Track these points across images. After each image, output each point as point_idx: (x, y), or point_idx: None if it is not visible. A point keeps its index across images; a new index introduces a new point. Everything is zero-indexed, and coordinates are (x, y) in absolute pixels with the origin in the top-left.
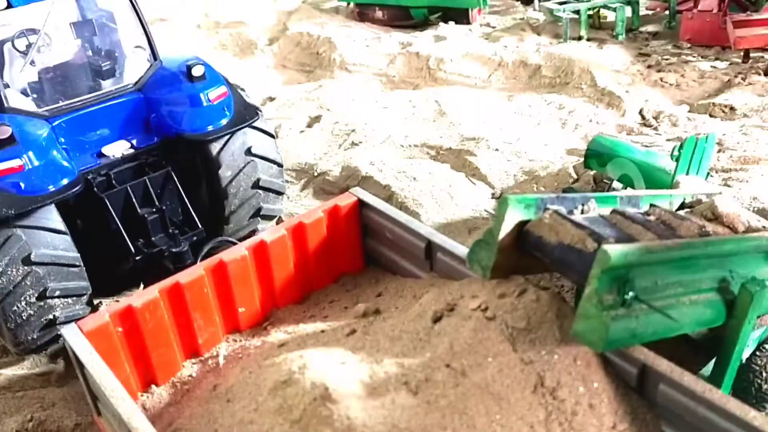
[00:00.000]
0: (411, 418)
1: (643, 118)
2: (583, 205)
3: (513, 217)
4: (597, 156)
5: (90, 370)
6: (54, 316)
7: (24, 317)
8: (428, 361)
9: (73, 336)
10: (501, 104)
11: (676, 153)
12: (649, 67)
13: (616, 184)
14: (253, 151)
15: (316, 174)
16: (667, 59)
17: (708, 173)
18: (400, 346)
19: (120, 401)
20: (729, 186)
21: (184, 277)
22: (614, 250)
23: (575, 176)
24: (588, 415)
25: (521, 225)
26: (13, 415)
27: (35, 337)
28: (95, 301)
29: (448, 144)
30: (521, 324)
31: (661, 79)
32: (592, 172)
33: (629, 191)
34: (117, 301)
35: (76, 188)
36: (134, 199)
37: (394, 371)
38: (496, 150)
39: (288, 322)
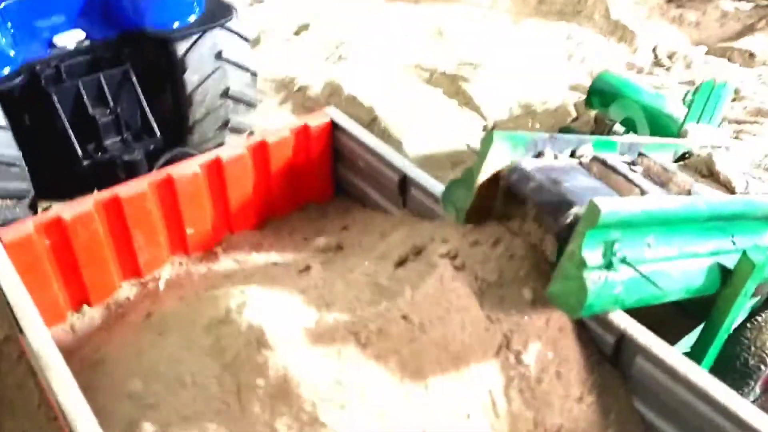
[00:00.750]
0: (357, 373)
1: (656, 56)
2: (576, 148)
3: (498, 155)
4: (600, 94)
5: (4, 288)
6: None
7: None
8: (384, 311)
9: None
10: (505, 29)
11: (689, 98)
12: (669, 1)
13: (618, 127)
14: (224, 55)
15: (296, 88)
16: None
17: (720, 124)
18: (356, 291)
19: (32, 330)
20: (740, 139)
21: (124, 190)
22: (606, 206)
23: (575, 114)
24: (554, 384)
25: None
26: None
27: None
28: (45, 206)
29: (444, 67)
30: (492, 277)
31: (681, 16)
32: (593, 112)
33: (631, 137)
34: None
35: (19, 78)
36: (85, 98)
37: (345, 319)
38: (494, 78)
39: (241, 250)
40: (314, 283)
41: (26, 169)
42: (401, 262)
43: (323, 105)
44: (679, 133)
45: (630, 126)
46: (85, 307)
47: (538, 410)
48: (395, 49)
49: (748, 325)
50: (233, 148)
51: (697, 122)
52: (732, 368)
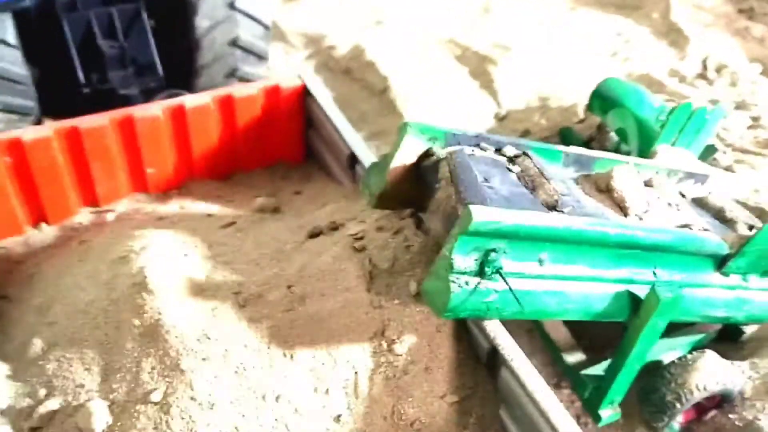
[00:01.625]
0: (226, 331)
1: (704, 67)
2: (497, 150)
3: (411, 146)
4: (601, 100)
5: None
6: None
7: None
8: (271, 277)
9: None
10: (558, 15)
11: (662, 118)
12: (740, 11)
13: (613, 136)
14: (237, 5)
15: (324, 46)
16: (765, 8)
17: (713, 148)
18: (258, 253)
19: None
20: (731, 171)
21: (84, 122)
22: (480, 213)
23: (582, 117)
24: (419, 378)
25: (423, 156)
26: None
27: None
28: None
29: (477, 47)
30: (385, 265)
31: (746, 29)
32: (599, 117)
33: (577, 149)
34: None
35: (34, 1)
36: (96, 28)
37: (233, 279)
38: (523, 66)
39: (193, 196)
40: (226, 239)
41: (33, 88)
42: (315, 234)
43: (343, 68)
44: (649, 153)
45: (623, 137)
46: (43, 225)
47: (399, 399)
48: (435, 21)
49: (676, 361)
50: (198, 96)
51: (673, 144)
52: (650, 401)
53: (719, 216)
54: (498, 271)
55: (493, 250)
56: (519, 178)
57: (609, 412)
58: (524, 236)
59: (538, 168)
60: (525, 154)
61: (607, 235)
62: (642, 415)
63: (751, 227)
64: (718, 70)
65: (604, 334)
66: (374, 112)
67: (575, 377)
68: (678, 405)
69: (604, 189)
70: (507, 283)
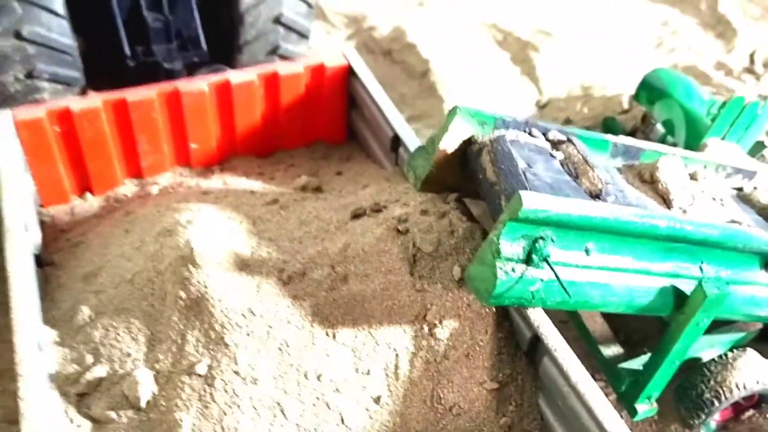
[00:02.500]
0: (270, 307)
1: (752, 61)
2: (545, 134)
3: (459, 130)
4: (649, 90)
5: (2, 163)
6: (42, 97)
7: (11, 91)
8: (315, 255)
9: (3, 122)
10: (603, 2)
11: (713, 111)
12: None
13: (659, 128)
14: None
15: (365, 27)
16: None
17: (762, 144)
18: (302, 231)
19: (10, 203)
20: None
21: (132, 95)
22: (530, 200)
23: (626, 107)
24: (460, 363)
25: (471, 140)
26: None
27: None
28: None
29: (519, 32)
30: (428, 248)
31: None
32: (643, 108)
33: (628, 139)
34: None
35: None
36: (142, 1)
37: (277, 255)
38: (566, 53)
39: (236, 172)
40: (270, 216)
41: (79, 59)
42: (358, 215)
43: (384, 49)
44: (699, 146)
45: (669, 129)
46: (88, 194)
47: (438, 383)
48: (477, 5)
49: (716, 359)
50: (245, 73)
51: (723, 138)
52: (688, 396)
53: (763, 213)
54: (545, 259)
55: (541, 237)
56: (562, 165)
57: (645, 407)
58: (572, 225)
59: (582, 155)
60: (569, 140)
61: (656, 227)
62: (678, 411)
63: None
64: (766, 65)
65: (641, 329)
66: (414, 95)
67: (611, 370)
68: (716, 403)
69: (648, 180)
70: (555, 272)
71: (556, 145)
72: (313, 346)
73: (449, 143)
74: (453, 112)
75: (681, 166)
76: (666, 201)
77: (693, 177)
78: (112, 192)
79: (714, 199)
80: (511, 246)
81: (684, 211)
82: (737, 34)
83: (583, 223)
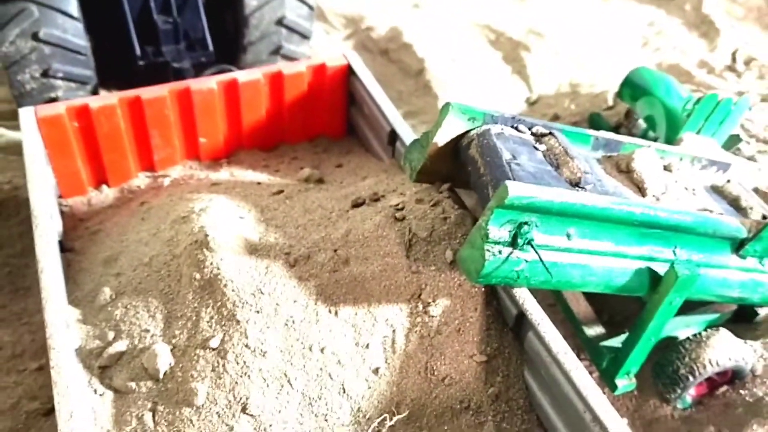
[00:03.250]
0: (277, 287)
1: (734, 60)
2: (530, 128)
3: (452, 125)
4: (632, 87)
5: (27, 156)
6: (57, 95)
7: (27, 88)
8: (319, 240)
9: (26, 118)
10: (592, 3)
11: (689, 107)
12: None
13: (641, 123)
14: None
15: (363, 27)
16: None
17: (737, 137)
18: (307, 219)
19: (36, 195)
20: (753, 161)
21: (146, 93)
22: (515, 189)
23: (611, 104)
24: (451, 338)
25: (462, 134)
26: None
27: None
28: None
29: (511, 33)
30: (423, 233)
31: None
32: (626, 105)
33: (606, 133)
34: None
35: None
36: (152, 4)
37: (284, 240)
38: (556, 53)
39: (242, 165)
40: (277, 205)
41: (92, 58)
42: (358, 204)
43: (381, 48)
44: (675, 140)
45: (651, 124)
46: (104, 186)
47: (431, 356)
48: (471, 6)
49: (691, 337)
50: (251, 72)
51: (698, 133)
52: (665, 372)
53: (734, 204)
54: (529, 242)
55: (526, 223)
56: (545, 156)
57: (625, 382)
58: (555, 211)
59: (563, 147)
60: (551, 133)
61: (632, 214)
62: (656, 386)
63: (765, 216)
64: (747, 63)
65: (623, 310)
66: (409, 93)
67: (594, 348)
68: (691, 378)
69: (625, 169)
70: (538, 254)
71: (539, 138)
72: (317, 322)
73: (442, 137)
74: (446, 108)
75: (656, 158)
76: (641, 189)
77: (667, 168)
78: (127, 184)
79: (686, 189)
80: (498, 230)
81: (657, 199)
82: (720, 34)
83: (564, 210)
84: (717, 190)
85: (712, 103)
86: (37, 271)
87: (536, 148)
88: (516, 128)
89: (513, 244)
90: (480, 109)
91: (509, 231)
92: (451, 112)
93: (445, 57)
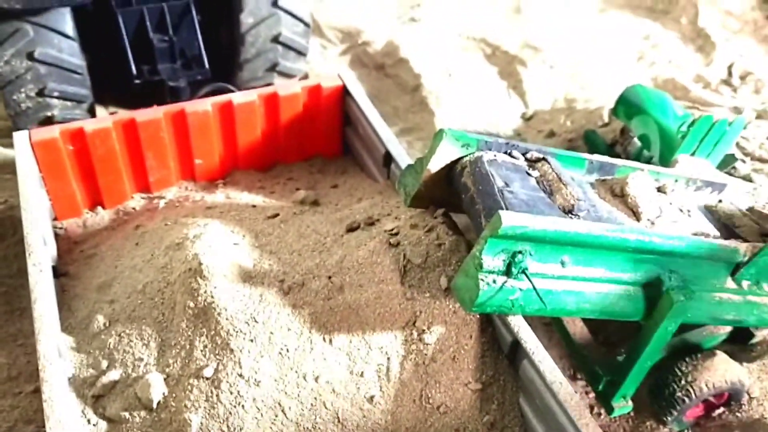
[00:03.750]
0: (271, 315)
1: (729, 74)
2: (524, 154)
3: (445, 151)
4: (626, 105)
5: (21, 180)
6: (53, 114)
7: (23, 108)
8: (313, 267)
9: (20, 142)
10: (587, 17)
11: (683, 129)
12: None
13: (636, 142)
14: (280, 3)
15: (359, 42)
16: None
17: (732, 157)
18: (301, 244)
19: (30, 223)
20: (749, 180)
21: (141, 115)
22: (508, 219)
23: (606, 121)
24: (447, 365)
25: (456, 160)
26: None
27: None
28: (112, 111)
29: (507, 47)
30: (417, 260)
31: None
32: (622, 122)
33: (600, 157)
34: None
35: None
36: (148, 23)
37: (278, 267)
38: (551, 67)
39: (238, 186)
40: (272, 230)
41: (88, 77)
42: (353, 229)
43: (377, 63)
44: (670, 162)
45: (645, 143)
46: (99, 208)
47: (426, 384)
48: (467, 20)
49: (687, 360)
50: (246, 94)
51: (693, 154)
52: (661, 394)
53: (729, 223)
54: (523, 271)
55: (520, 252)
56: (538, 183)
57: (621, 405)
58: (548, 240)
59: (556, 173)
60: (545, 159)
61: (626, 241)
62: (652, 408)
63: (763, 235)
64: (743, 77)
65: (618, 331)
66: (405, 109)
67: (590, 370)
68: (687, 401)
69: (619, 194)
70: (531, 283)
71: (532, 163)
72: (312, 350)
73: (436, 163)
74: (439, 135)
75: (650, 181)
76: (635, 214)
77: (662, 190)
78: (122, 206)
79: (681, 210)
80: (492, 260)
81: (652, 223)
82: (716, 48)
83: (558, 238)
84: (710, 211)
85: (706, 124)
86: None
87: (529, 174)
88: (510, 154)
89: (507, 273)
90: (474, 135)
91: (503, 260)
92: (444, 138)
93: (441, 72)
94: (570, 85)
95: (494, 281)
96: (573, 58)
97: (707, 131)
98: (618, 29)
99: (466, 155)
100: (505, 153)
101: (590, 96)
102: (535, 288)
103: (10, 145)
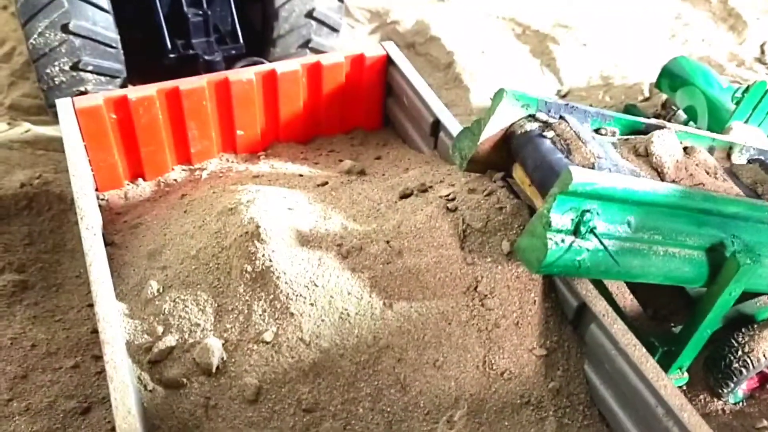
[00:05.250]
0: (330, 279)
1: (763, 52)
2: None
3: (506, 111)
4: (670, 77)
5: (67, 148)
6: (86, 89)
7: (56, 82)
8: (370, 232)
9: (65, 110)
10: None
11: (738, 95)
12: None
13: (681, 114)
14: None
15: (388, 21)
16: None
17: None
18: (355, 210)
19: (81, 193)
20: None
21: (184, 84)
22: (579, 175)
23: (647, 95)
24: (510, 331)
25: (517, 123)
26: (25, 169)
27: None
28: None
29: (538, 25)
30: (477, 224)
31: None
32: (663, 96)
33: (659, 121)
34: None
35: None
36: None
37: (335, 231)
38: (584, 45)
39: (281, 157)
40: (324, 197)
41: (122, 52)
42: (406, 196)
43: (408, 41)
44: (723, 129)
45: (692, 115)
46: (140, 180)
47: (489, 350)
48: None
49: (743, 330)
50: (289, 63)
51: (746, 122)
52: (717, 366)
53: (753, 187)
54: (592, 230)
55: (588, 210)
56: (554, 143)
57: (677, 376)
58: (616, 198)
59: (574, 131)
60: (561, 117)
61: (692, 200)
62: (707, 381)
63: None
64: None
65: (667, 303)
66: (439, 86)
67: (645, 342)
68: (744, 372)
69: (643, 153)
70: (602, 243)
71: (546, 125)
72: (372, 314)
73: (495, 124)
74: (499, 94)
75: (675, 140)
76: (660, 174)
77: (687, 151)
78: (163, 177)
79: (708, 172)
80: (560, 218)
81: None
82: (748, 27)
83: (626, 197)
84: (734, 173)
85: (761, 91)
86: (68, 268)
87: (543, 136)
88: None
89: (575, 232)
90: (533, 95)
91: (571, 219)
92: (505, 98)
93: (473, 49)
94: (604, 63)
95: (562, 240)
96: (605, 37)
97: (761, 98)
98: (648, 9)
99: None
100: (560, 117)
101: (626, 72)
102: (606, 248)
103: (41, 122)
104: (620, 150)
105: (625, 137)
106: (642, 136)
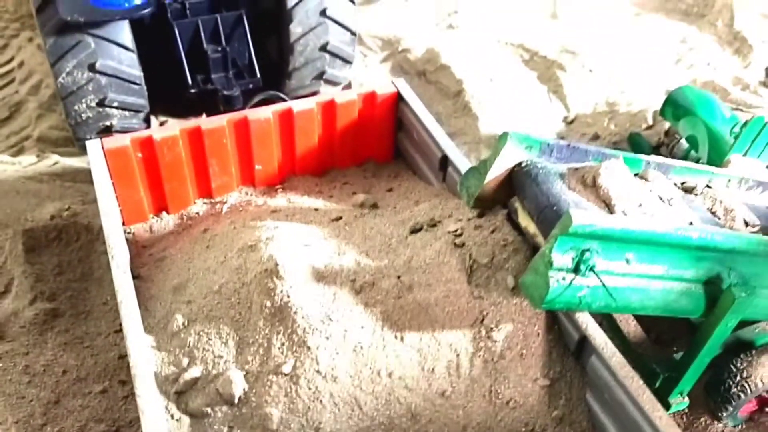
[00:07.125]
0: (345, 314)
1: (767, 75)
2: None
3: (510, 154)
4: (674, 107)
5: (98, 187)
6: (111, 123)
7: (83, 117)
8: (382, 267)
9: (94, 150)
10: (623, 21)
11: (736, 130)
12: None
13: (684, 143)
14: (328, 13)
15: (400, 49)
16: None
17: None
18: (368, 246)
19: (109, 227)
20: None
21: (206, 123)
22: (578, 218)
23: (650, 123)
24: (515, 362)
25: (518, 163)
26: (55, 202)
27: (92, 137)
28: (162, 120)
29: (545, 52)
30: (484, 260)
31: None
32: (666, 124)
33: (658, 158)
34: None
35: (149, 9)
36: (202, 34)
37: (348, 267)
38: (590, 71)
39: (297, 191)
40: (338, 232)
41: (145, 88)
42: (416, 230)
43: (418, 70)
44: (722, 163)
45: (693, 144)
46: (164, 213)
47: (495, 380)
48: (505, 26)
49: (742, 356)
50: (305, 102)
51: (744, 155)
52: (717, 390)
53: (711, 211)
54: (592, 268)
55: (588, 249)
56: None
57: (678, 401)
58: (615, 238)
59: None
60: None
61: (689, 239)
62: (707, 404)
63: (746, 223)
64: None
65: (670, 329)
66: (448, 114)
67: (646, 368)
68: (742, 396)
69: (590, 184)
70: (600, 280)
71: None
72: (384, 347)
73: (500, 165)
74: (504, 138)
75: (625, 169)
76: (608, 206)
77: (642, 177)
78: (186, 211)
79: (661, 199)
80: (561, 257)
81: (625, 214)
82: (753, 50)
83: (624, 237)
84: (690, 197)
85: (759, 125)
86: (96, 296)
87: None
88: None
89: (576, 270)
90: (536, 137)
91: (572, 258)
92: (509, 141)
93: (482, 77)
94: (610, 89)
95: (563, 278)
96: (611, 62)
97: (759, 132)
98: (654, 33)
99: (531, 157)
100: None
101: (632, 99)
102: (604, 285)
103: (68, 154)
104: (568, 180)
105: (575, 166)
106: (591, 165)
